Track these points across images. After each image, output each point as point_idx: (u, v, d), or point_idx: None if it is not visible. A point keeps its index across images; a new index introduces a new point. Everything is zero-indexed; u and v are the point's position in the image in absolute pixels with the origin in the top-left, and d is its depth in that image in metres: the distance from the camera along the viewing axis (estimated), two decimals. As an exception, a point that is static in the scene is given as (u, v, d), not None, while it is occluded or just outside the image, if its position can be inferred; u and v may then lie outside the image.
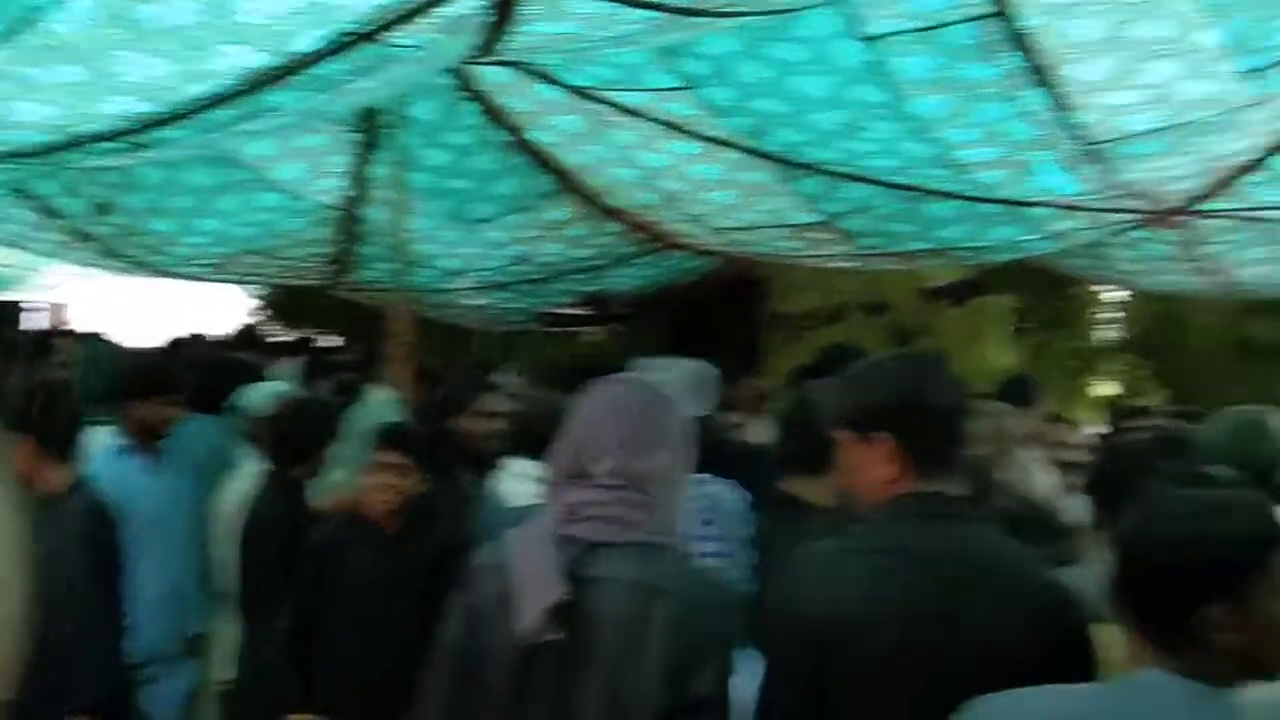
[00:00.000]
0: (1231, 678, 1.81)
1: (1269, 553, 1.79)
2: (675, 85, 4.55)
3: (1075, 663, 2.10)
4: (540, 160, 5.89)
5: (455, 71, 5.05)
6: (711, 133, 4.97)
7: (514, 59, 4.22)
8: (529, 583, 2.17)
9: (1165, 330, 9.44)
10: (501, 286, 7.68)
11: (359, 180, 6.07)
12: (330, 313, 10.01)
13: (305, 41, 2.78)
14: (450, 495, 4.35)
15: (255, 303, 12.23)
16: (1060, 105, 4.24)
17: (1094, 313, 10.57)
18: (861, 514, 2.36)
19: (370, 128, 5.70)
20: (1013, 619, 2.15)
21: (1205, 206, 5.39)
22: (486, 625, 2.22)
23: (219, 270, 7.09)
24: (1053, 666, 2.04)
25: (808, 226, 5.99)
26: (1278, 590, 1.80)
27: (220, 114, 3.19)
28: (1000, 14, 3.77)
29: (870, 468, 2.28)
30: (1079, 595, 2.22)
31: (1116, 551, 1.91)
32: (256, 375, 5.41)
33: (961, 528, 2.25)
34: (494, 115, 5.52)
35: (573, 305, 8.66)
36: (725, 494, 2.84)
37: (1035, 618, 2.17)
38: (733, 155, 5.21)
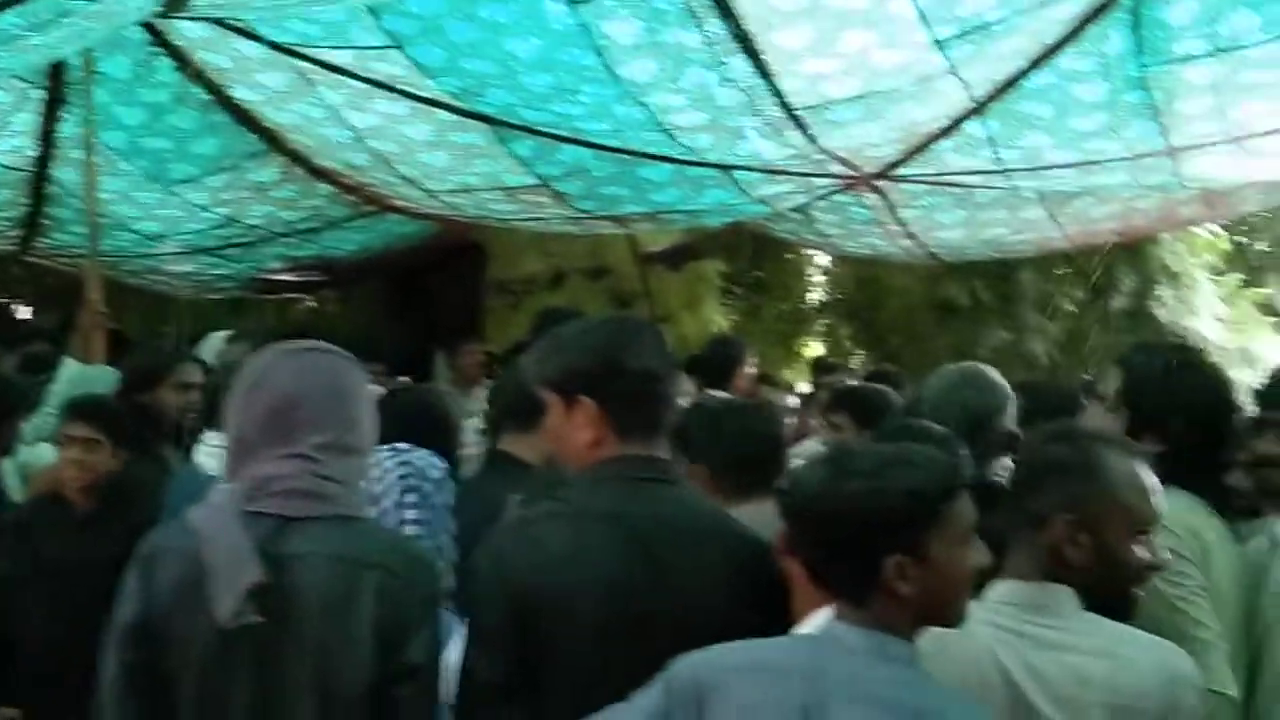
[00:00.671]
0: (911, 626, 1.89)
1: (944, 505, 1.87)
2: (382, 44, 4.43)
3: (776, 616, 2.16)
4: (244, 119, 5.66)
5: (148, 26, 4.79)
6: (422, 93, 4.87)
7: (205, 14, 4.03)
8: (221, 564, 2.05)
9: (867, 292, 9.84)
10: (208, 251, 7.35)
11: (46, 139, 5.72)
12: (19, 281, 9.42)
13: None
14: (151, 471, 4.16)
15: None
16: (764, 72, 4.34)
17: (806, 277, 10.94)
18: (568, 476, 2.36)
19: (57, 84, 5.36)
20: (716, 578, 2.19)
21: (901, 172, 5.64)
22: (178, 610, 2.10)
23: (-109, 237, 6.57)
24: (756, 622, 2.09)
25: (523, 189, 5.96)
26: (954, 541, 1.89)
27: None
28: (704, -20, 3.83)
29: (573, 431, 2.27)
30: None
31: (795, 506, 1.97)
32: (-66, 349, 5.04)
33: (664, 490, 2.28)
34: (191, 71, 5.26)
35: (287, 271, 8.37)
36: (427, 463, 2.79)
37: (738, 576, 2.22)
38: (445, 116, 5.12)
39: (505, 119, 5.09)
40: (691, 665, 1.89)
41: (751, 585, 2.22)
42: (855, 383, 5.59)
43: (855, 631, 1.86)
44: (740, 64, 4.29)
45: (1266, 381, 3.16)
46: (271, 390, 2.19)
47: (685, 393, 4.58)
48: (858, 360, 9.88)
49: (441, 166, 5.76)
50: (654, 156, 5.37)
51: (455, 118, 5.12)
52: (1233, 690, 2.64)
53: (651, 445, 2.29)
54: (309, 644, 2.07)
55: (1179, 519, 2.73)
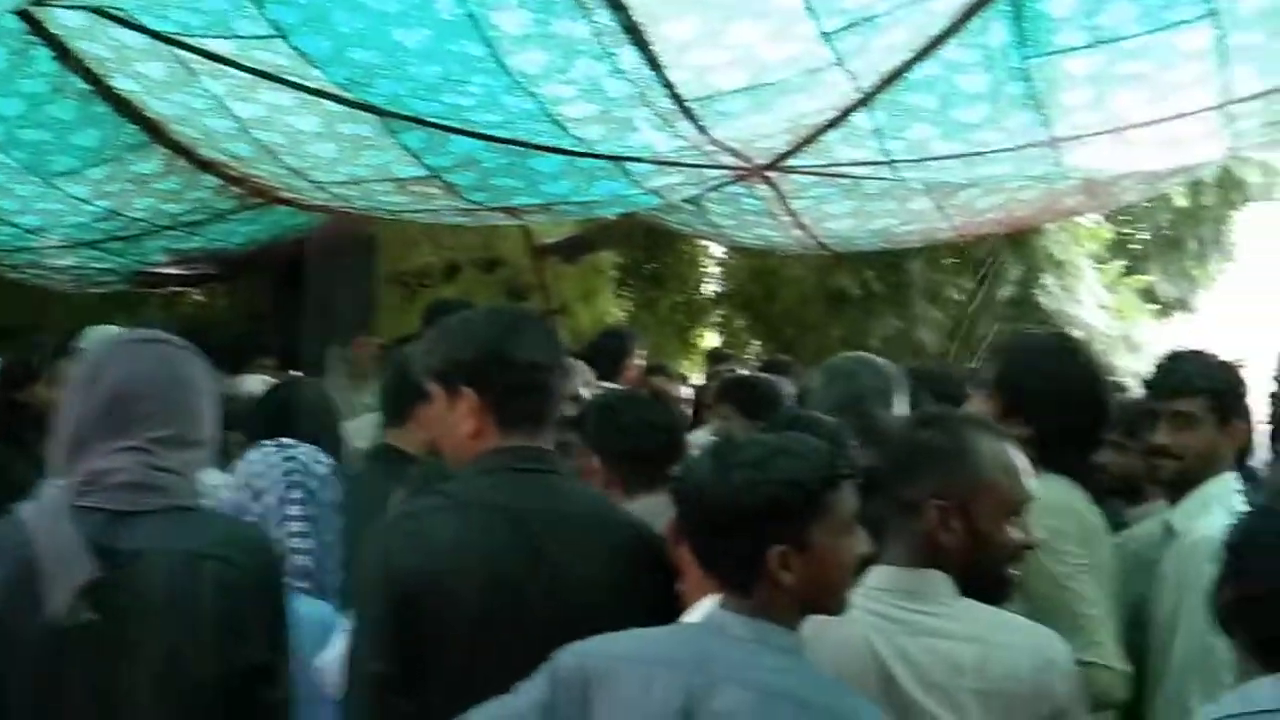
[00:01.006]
0: (794, 615, 1.91)
1: (826, 495, 1.89)
2: (266, 33, 4.34)
3: (662, 605, 2.17)
4: (125, 109, 5.51)
5: (24, 14, 4.65)
6: (308, 83, 4.79)
7: (82, 3, 3.92)
8: (52, 563, 1.99)
9: (761, 283, 9.91)
10: (90, 245, 7.15)
11: (-83, 133, 5.52)
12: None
13: None
14: (27, 469, 4.05)
15: None
16: (653, 63, 4.33)
17: (701, 268, 11.00)
18: (452, 469, 2.35)
19: (-73, 77, 5.17)
20: (600, 568, 2.21)
21: (792, 163, 5.67)
22: (9, 609, 2.02)
23: None
24: (641, 611, 2.10)
25: (413, 180, 5.90)
26: (836, 531, 1.91)
27: None
28: (591, -31, 3.81)
29: (456, 422, 2.27)
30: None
31: (683, 495, 1.98)
32: None
33: (548, 480, 2.28)
34: (70, 61, 5.11)
35: (172, 264, 8.19)
36: (312, 458, 2.76)
37: (623, 565, 2.24)
38: (332, 107, 5.04)
39: (394, 110, 5.03)
40: (577, 654, 1.89)
41: (637, 574, 2.24)
42: (743, 373, 5.64)
43: (739, 620, 1.87)
44: (630, 55, 4.27)
45: (1154, 370, 3.23)
46: (108, 382, 2.14)
47: (588, 383, 4.58)
48: (753, 350, 9.96)
49: (330, 158, 5.66)
50: (545, 148, 5.34)
51: (343, 108, 5.04)
52: (1125, 665, 2.72)
53: (535, 436, 2.29)
54: (149, 641, 2.02)
55: (1058, 500, 2.79)
